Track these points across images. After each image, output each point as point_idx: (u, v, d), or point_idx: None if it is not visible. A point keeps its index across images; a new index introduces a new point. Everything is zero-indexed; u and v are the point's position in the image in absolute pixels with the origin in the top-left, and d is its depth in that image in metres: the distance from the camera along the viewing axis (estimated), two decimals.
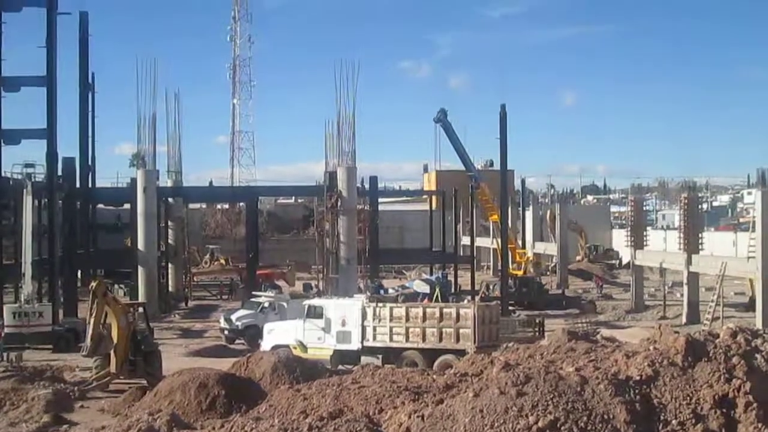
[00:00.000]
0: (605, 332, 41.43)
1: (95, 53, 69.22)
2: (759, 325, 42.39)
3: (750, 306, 50.83)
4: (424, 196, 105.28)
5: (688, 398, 15.37)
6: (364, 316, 36.50)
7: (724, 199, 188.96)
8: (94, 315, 31.50)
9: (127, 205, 63.47)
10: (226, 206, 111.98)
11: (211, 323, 53.23)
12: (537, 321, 41.64)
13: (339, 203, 54.62)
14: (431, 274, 70.50)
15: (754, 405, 15.07)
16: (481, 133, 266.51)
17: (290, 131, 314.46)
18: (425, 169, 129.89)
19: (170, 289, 66.98)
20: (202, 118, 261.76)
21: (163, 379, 28.93)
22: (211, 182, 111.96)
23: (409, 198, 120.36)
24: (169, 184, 69.07)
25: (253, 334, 43.44)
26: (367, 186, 65.60)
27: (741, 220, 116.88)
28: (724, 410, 15.18)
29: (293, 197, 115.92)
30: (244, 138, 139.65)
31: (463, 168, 71.24)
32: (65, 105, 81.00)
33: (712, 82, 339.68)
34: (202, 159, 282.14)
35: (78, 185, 60.80)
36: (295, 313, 41.03)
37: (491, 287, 62.02)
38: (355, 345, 36.61)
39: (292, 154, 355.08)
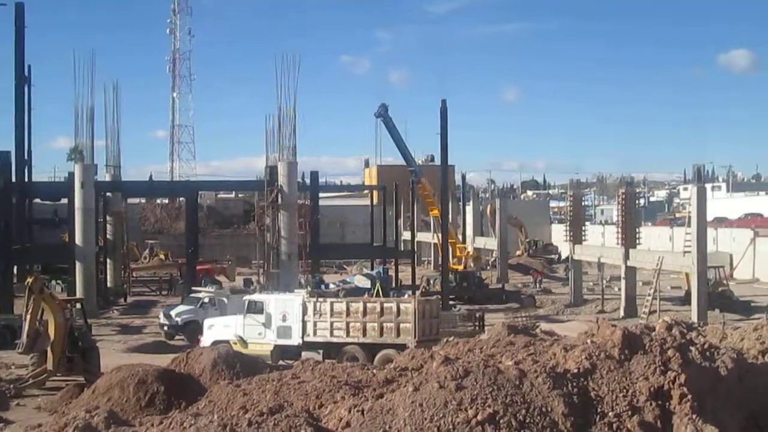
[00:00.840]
0: (544, 326, 41.71)
1: (32, 45, 68.28)
2: (694, 318, 43.12)
3: (686, 299, 51.66)
4: (365, 191, 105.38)
5: (625, 390, 15.55)
6: (304, 312, 36.46)
7: (661, 195, 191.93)
8: (30, 311, 31.07)
9: (64, 200, 62.55)
10: (166, 201, 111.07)
11: (151, 319, 52.81)
12: (477, 315, 41.83)
13: (280, 198, 54.42)
14: (372, 269, 70.60)
15: (689, 397, 15.30)
16: (422, 128, 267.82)
17: (231, 126, 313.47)
18: (366, 164, 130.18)
19: (108, 284, 66.28)
20: (142, 112, 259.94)
21: (102, 375, 28.60)
22: (150, 177, 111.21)
23: (350, 193, 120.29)
24: (108, 178, 68.29)
25: (192, 329, 43.14)
26: (308, 181, 65.53)
27: (677, 215, 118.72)
28: (660, 402, 15.38)
29: (233, 192, 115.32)
30: (184, 132, 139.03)
31: (404, 163, 71.44)
32: (0, 98, 79.77)
33: (650, 81, 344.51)
34: (141, 153, 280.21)
35: (14, 180, 59.85)
36: (235, 308, 40.84)
37: (432, 282, 62.23)
38: (295, 340, 36.56)
39: (232, 148, 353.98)
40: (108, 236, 67.61)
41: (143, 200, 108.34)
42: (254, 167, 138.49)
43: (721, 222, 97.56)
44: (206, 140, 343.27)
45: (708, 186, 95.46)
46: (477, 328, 39.54)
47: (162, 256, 78.78)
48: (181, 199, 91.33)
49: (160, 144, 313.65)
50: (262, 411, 15.80)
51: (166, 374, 26.59)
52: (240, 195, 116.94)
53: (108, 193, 67.75)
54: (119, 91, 68.05)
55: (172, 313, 46.13)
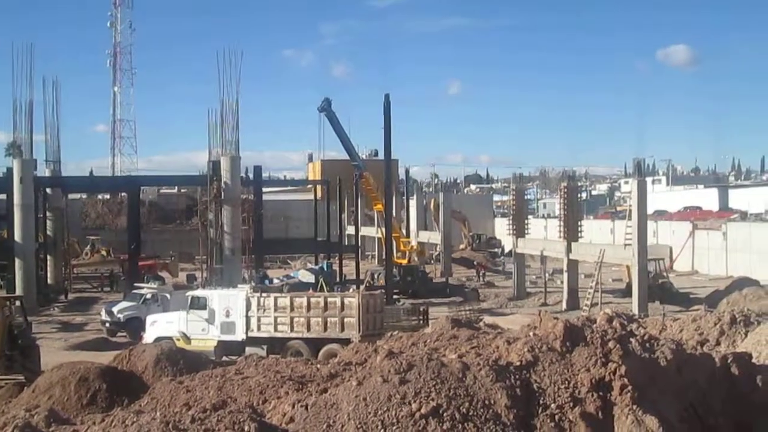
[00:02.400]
0: (488, 319, 42.09)
1: None
2: (635, 310, 43.71)
3: (627, 292, 52.30)
4: (309, 186, 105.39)
5: (567, 382, 15.68)
6: (248, 307, 36.37)
7: (602, 188, 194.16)
8: None
9: (2, 196, 61.67)
10: (107, 196, 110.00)
11: (92, 316, 52.32)
12: (421, 309, 41.98)
13: (222, 193, 54.12)
14: (316, 264, 70.51)
15: (629, 387, 15.46)
16: (366, 122, 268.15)
17: (173, 120, 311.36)
18: (310, 159, 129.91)
19: (49, 281, 65.56)
20: (82, 107, 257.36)
21: (42, 374, 28.18)
22: (91, 172, 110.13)
23: (293, 188, 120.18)
24: (47, 173, 67.54)
25: (135, 326, 42.81)
26: (251, 175, 65.18)
27: (618, 208, 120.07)
28: (601, 393, 15.52)
29: (176, 187, 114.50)
30: (126, 127, 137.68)
31: (347, 157, 71.38)
32: None
33: (593, 74, 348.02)
34: (81, 148, 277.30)
35: None
36: (178, 304, 40.59)
37: (376, 276, 62.32)
38: (239, 336, 36.46)
39: (174, 143, 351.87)
40: (48, 232, 66.84)
41: (84, 196, 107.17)
42: (197, 162, 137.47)
43: (661, 215, 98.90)
44: (148, 135, 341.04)
45: (648, 180, 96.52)
46: (421, 322, 39.70)
47: (104, 252, 78.04)
48: (122, 194, 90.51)
49: (101, 139, 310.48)
50: (206, 407, 15.70)
51: (109, 372, 26.26)
52: (183, 190, 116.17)
53: (48, 189, 66.99)
54: (59, 85, 67.41)
55: (114, 309, 45.72)
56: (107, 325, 45.62)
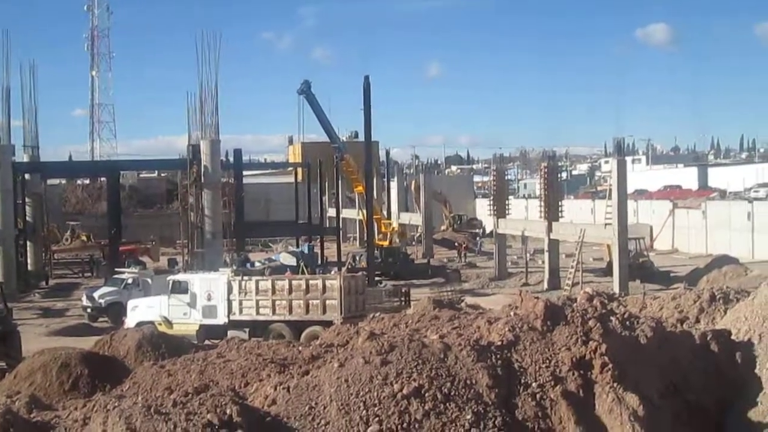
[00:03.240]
0: (470, 300, 42.25)
1: None
2: (616, 288, 43.88)
3: (608, 271, 52.47)
4: (290, 169, 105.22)
5: (548, 361, 15.75)
6: (229, 290, 36.35)
7: (582, 168, 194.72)
8: None
9: None
10: (87, 181, 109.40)
11: (73, 302, 52.17)
12: (403, 290, 42.10)
13: (203, 177, 53.96)
14: (298, 247, 70.46)
15: (610, 366, 15.54)
16: (346, 104, 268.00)
17: (152, 104, 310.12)
18: (290, 141, 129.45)
19: (29, 267, 65.21)
20: (60, 91, 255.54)
21: (23, 360, 28.10)
22: (70, 157, 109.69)
23: (274, 170, 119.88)
24: (26, 159, 67.09)
25: (116, 311, 42.77)
26: (231, 159, 64.96)
27: (599, 188, 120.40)
28: (582, 371, 15.60)
29: (156, 171, 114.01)
30: (104, 111, 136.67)
31: (328, 140, 71.22)
32: None
33: (571, 56, 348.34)
34: (60, 133, 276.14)
35: None
36: (159, 288, 40.48)
37: (357, 258, 62.38)
38: (221, 319, 36.45)
39: (154, 127, 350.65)
40: (27, 218, 66.50)
41: (63, 181, 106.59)
42: (177, 146, 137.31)
43: (641, 194, 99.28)
44: (127, 119, 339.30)
45: (628, 159, 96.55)
46: (403, 303, 39.83)
47: (84, 238, 77.63)
48: (102, 179, 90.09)
49: (80, 123, 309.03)
50: (187, 391, 15.70)
51: (90, 357, 26.17)
52: (163, 174, 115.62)
53: (26, 175, 66.55)
54: (36, 69, 67.06)
55: (96, 294, 45.62)
56: (88, 310, 45.53)
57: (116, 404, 14.58)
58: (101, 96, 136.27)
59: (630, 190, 66.19)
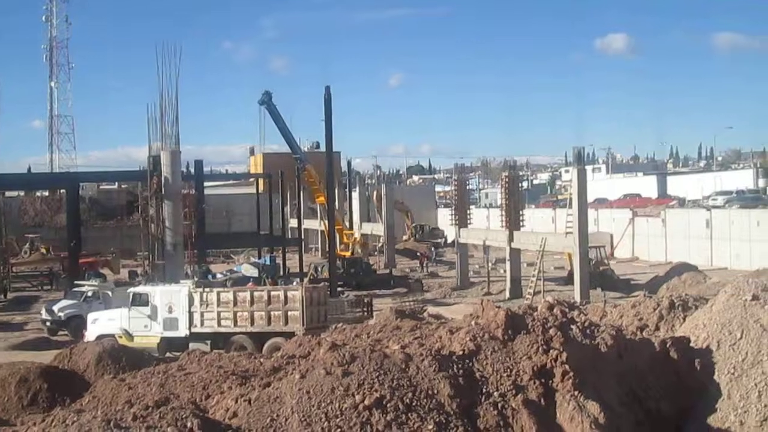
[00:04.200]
0: (432, 309, 42.29)
1: None
2: (577, 297, 44.08)
3: (569, 279, 52.68)
4: (251, 179, 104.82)
5: (509, 370, 15.81)
6: (191, 302, 36.12)
7: (543, 177, 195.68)
8: None
9: None
10: (46, 193, 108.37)
11: (32, 315, 51.53)
12: (365, 301, 42.07)
13: (163, 188, 53.59)
14: (260, 258, 70.21)
15: (570, 374, 15.64)
16: (307, 115, 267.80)
17: (112, 115, 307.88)
18: (251, 152, 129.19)
19: None
20: (18, 102, 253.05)
21: None
22: (29, 168, 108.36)
23: (235, 181, 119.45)
24: None
25: (76, 324, 42.26)
26: (192, 170, 64.60)
27: (559, 197, 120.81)
28: (543, 380, 15.68)
29: (116, 183, 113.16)
30: (63, 122, 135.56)
31: (289, 150, 71.10)
32: None
33: (532, 64, 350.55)
34: (18, 145, 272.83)
35: None
36: (120, 301, 40.13)
37: (320, 269, 62.24)
38: (182, 332, 36.20)
39: (114, 138, 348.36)
40: None
41: (22, 193, 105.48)
42: (137, 157, 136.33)
43: (601, 203, 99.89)
44: (86, 130, 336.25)
45: (588, 168, 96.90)
46: (365, 313, 39.79)
47: (43, 250, 76.82)
48: (61, 191, 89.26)
49: (38, 135, 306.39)
50: (148, 404, 15.59)
51: (49, 371, 25.95)
52: (123, 186, 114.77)
53: None
54: None
55: (55, 308, 45.12)
56: (48, 323, 45.00)
57: (75, 419, 14.43)
58: (60, 107, 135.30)
59: (590, 198, 66.57)
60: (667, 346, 17.91)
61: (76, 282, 50.47)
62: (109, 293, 44.53)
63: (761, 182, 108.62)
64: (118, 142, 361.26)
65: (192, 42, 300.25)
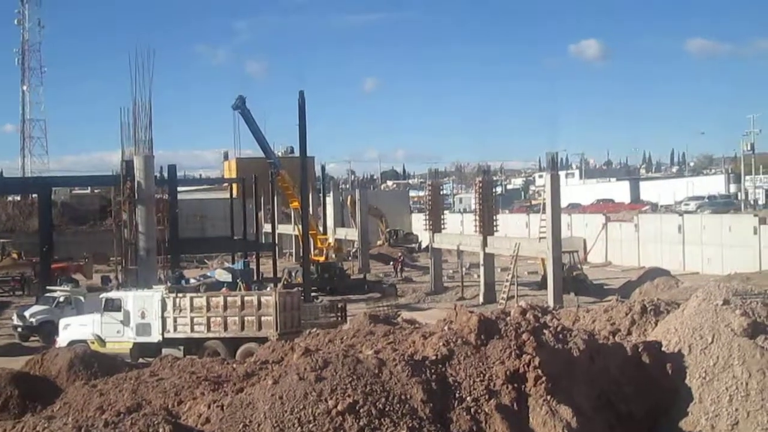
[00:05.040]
0: (406, 315, 42.23)
1: None
2: (550, 302, 44.17)
3: (542, 284, 52.82)
4: (225, 184, 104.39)
5: (482, 375, 15.84)
6: (163, 308, 35.95)
7: (517, 183, 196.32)
8: None
9: None
10: (18, 198, 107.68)
11: (4, 321, 51.18)
12: (339, 306, 41.95)
13: (136, 193, 53.34)
14: (233, 263, 69.97)
15: (543, 378, 15.69)
16: (282, 119, 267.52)
17: (85, 119, 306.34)
18: (225, 157, 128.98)
19: None
20: None
21: None
22: (0, 173, 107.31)
23: (209, 186, 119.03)
24: None
25: (48, 330, 41.98)
26: (165, 175, 64.32)
27: (533, 202, 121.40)
28: (516, 385, 15.73)
29: (89, 187, 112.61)
30: (35, 127, 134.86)
31: (263, 155, 70.91)
32: None
33: (506, 70, 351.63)
34: None
35: None
36: (92, 306, 39.86)
37: (293, 274, 62.12)
38: (155, 337, 36.02)
39: (87, 143, 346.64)
40: None
41: None
42: (110, 162, 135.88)
43: (575, 208, 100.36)
44: (59, 135, 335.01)
45: (562, 173, 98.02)
46: (339, 318, 39.66)
47: (15, 255, 76.20)
48: (33, 196, 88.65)
49: (10, 139, 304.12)
50: (119, 411, 15.55)
51: (20, 377, 25.70)
52: (96, 190, 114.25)
53: None
54: None
55: (27, 313, 44.80)
56: (19, 329, 44.68)
57: (46, 425, 14.34)
58: (33, 111, 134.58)
59: (563, 203, 66.79)
60: (639, 350, 17.99)
61: (48, 287, 50.15)
62: (82, 299, 44.26)
63: (733, 187, 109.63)
64: (91, 147, 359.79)
65: (166, 46, 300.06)
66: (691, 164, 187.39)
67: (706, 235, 65.67)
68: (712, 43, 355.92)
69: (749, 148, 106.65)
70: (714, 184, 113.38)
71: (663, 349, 18.30)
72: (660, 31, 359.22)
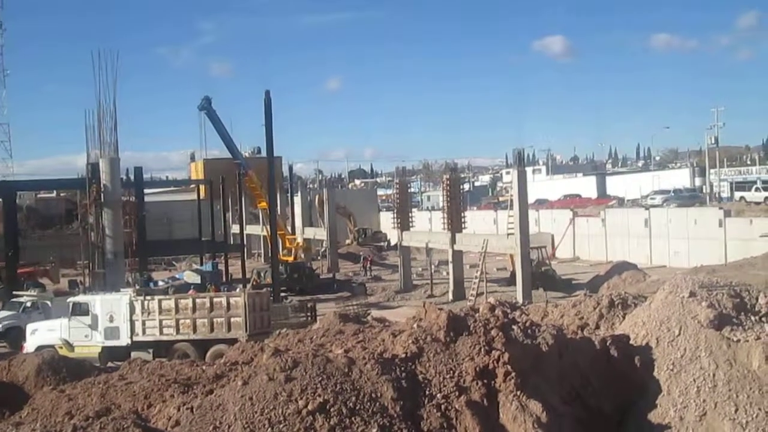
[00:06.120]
0: (376, 313, 42.24)
1: None
2: (519, 298, 44.37)
3: (511, 280, 53.01)
4: (192, 186, 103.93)
5: (452, 372, 15.87)
6: (132, 311, 35.76)
7: (485, 179, 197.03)
8: None
9: None
10: None
11: None
12: (309, 306, 41.91)
13: (102, 196, 52.99)
14: (202, 265, 69.68)
15: (512, 374, 15.74)
16: (248, 120, 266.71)
17: (49, 123, 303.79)
18: (192, 158, 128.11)
19: None
20: None
21: None
22: None
23: (176, 188, 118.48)
24: None
25: (15, 335, 41.60)
26: (132, 177, 63.95)
27: (500, 198, 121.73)
28: (485, 381, 15.76)
29: (54, 191, 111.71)
30: None
31: (230, 156, 70.68)
32: None
33: (472, 67, 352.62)
34: None
35: None
36: (60, 311, 39.59)
37: (263, 274, 62.00)
38: (124, 340, 35.83)
39: (52, 146, 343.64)
40: None
41: None
42: (76, 165, 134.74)
43: (542, 204, 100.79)
44: (23, 138, 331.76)
45: (529, 169, 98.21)
46: (309, 318, 39.62)
47: None
48: None
49: None
50: (88, 415, 15.43)
51: None
52: (62, 194, 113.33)
53: None
54: None
55: None
56: None
57: (14, 431, 14.24)
58: None
59: (531, 199, 67.13)
60: (608, 344, 18.09)
61: (14, 292, 49.67)
62: (49, 303, 43.93)
63: (698, 181, 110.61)
64: (56, 150, 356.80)
65: (130, 48, 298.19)
66: (657, 158, 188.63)
67: (672, 229, 66.19)
68: (676, 38, 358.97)
69: (713, 142, 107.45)
70: (679, 177, 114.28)
71: (631, 342, 18.42)
72: (625, 27, 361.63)
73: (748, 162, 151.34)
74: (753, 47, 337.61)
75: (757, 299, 19.20)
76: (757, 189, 79.29)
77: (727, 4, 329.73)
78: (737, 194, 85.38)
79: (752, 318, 18.69)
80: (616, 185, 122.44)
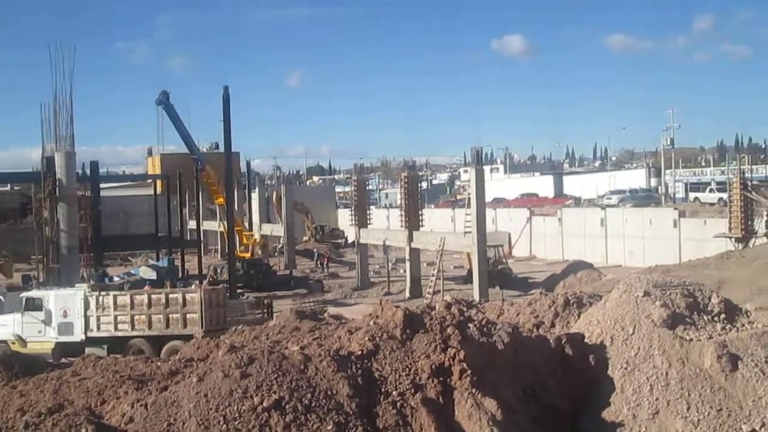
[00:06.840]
0: (332, 310, 42.22)
1: None
2: (476, 296, 44.57)
3: (468, 278, 53.20)
4: (149, 181, 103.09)
5: (407, 369, 15.91)
6: (86, 306, 35.46)
7: (442, 178, 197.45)
8: None
9: None
10: None
11: None
12: (265, 302, 41.79)
13: (57, 190, 52.49)
14: (158, 260, 69.21)
15: (468, 372, 15.80)
16: (206, 115, 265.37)
17: (3, 115, 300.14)
18: (149, 153, 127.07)
19: None
20: None
21: None
22: None
23: (132, 183, 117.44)
24: None
25: None
26: (88, 171, 63.36)
27: (458, 197, 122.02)
28: (441, 378, 15.82)
29: (8, 184, 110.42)
30: None
31: (187, 151, 70.29)
32: None
33: (431, 66, 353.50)
34: None
35: None
36: (13, 306, 39.12)
37: (219, 270, 61.76)
38: (78, 336, 35.52)
39: (6, 139, 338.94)
40: None
41: None
42: (30, 159, 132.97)
43: (499, 202, 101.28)
44: None
45: (486, 168, 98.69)
46: (265, 315, 39.52)
47: None
48: None
49: None
50: (41, 411, 15.27)
51: None
52: (16, 187, 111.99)
53: None
54: None
55: None
56: None
57: None
58: None
59: (488, 198, 67.35)
60: (562, 342, 18.22)
61: None
62: (1, 298, 43.38)
63: (653, 181, 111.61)
64: (10, 143, 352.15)
65: (87, 41, 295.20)
66: (613, 159, 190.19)
67: (628, 229, 66.76)
68: (632, 38, 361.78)
69: (669, 143, 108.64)
70: (635, 178, 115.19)
71: (586, 340, 18.56)
72: (581, 27, 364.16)
73: (703, 163, 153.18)
74: (709, 49, 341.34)
75: (710, 299, 19.43)
76: (711, 190, 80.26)
77: (682, 5, 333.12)
78: (692, 195, 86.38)
79: (705, 317, 18.91)
80: (572, 185, 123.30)
